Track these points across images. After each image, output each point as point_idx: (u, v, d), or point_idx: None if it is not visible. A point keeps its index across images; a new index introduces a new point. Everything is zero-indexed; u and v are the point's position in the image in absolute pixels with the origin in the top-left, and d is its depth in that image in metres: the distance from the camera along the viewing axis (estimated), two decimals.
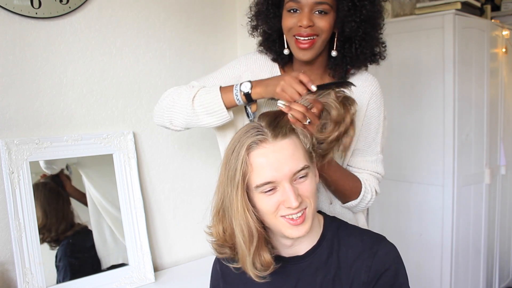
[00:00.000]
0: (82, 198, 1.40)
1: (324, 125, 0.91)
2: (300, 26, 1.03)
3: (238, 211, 0.85)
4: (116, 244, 1.45)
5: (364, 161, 1.17)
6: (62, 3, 1.34)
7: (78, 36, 1.40)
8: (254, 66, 1.19)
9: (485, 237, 2.53)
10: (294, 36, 1.06)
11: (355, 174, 1.15)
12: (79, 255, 1.37)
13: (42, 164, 1.32)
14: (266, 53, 1.19)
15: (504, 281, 2.89)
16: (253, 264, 0.88)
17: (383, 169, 1.19)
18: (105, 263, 1.41)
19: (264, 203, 0.86)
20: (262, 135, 0.84)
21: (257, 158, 0.84)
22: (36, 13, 1.29)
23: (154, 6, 1.58)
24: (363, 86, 1.13)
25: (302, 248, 0.94)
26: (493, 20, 2.64)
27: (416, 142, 2.37)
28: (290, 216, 0.85)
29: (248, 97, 1.06)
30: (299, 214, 0.85)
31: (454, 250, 2.30)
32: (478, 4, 2.42)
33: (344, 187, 1.10)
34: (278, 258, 0.95)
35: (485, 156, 2.47)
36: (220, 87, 1.09)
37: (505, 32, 2.66)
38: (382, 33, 1.13)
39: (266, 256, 0.88)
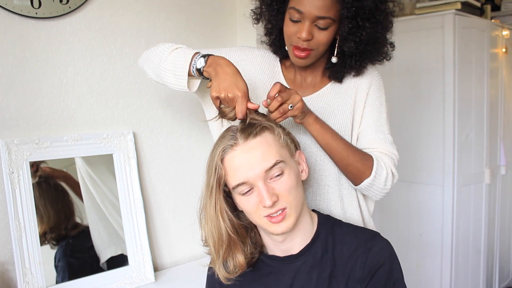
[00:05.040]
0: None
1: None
2: (299, 37, 1.02)
3: (210, 215, 0.90)
4: (114, 237, 1.44)
5: (371, 139, 1.13)
6: (62, 3, 1.34)
7: (78, 36, 1.40)
8: (256, 60, 1.18)
9: (485, 237, 2.53)
10: (292, 44, 1.05)
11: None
12: (79, 255, 1.37)
13: None
14: (268, 46, 1.19)
15: (504, 281, 2.89)
16: (223, 266, 0.93)
17: (396, 152, 1.13)
18: (103, 257, 1.41)
19: (244, 203, 0.89)
20: (234, 139, 0.87)
21: (229, 162, 0.87)
22: (36, 13, 1.29)
23: (154, 6, 1.58)
24: (363, 76, 1.14)
25: (296, 246, 0.94)
26: (493, 20, 2.64)
27: (416, 142, 2.37)
28: (270, 215, 0.87)
29: (201, 72, 1.01)
30: (278, 213, 0.87)
31: (454, 250, 2.30)
32: (478, 4, 2.42)
33: (354, 159, 1.06)
34: (272, 258, 0.96)
35: (485, 156, 2.47)
36: (196, 53, 1.04)
37: (505, 32, 2.66)
38: (389, 38, 1.12)
39: (240, 258, 0.92)
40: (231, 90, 0.92)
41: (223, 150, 0.88)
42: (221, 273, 0.93)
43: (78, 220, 1.39)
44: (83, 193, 1.40)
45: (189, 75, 1.03)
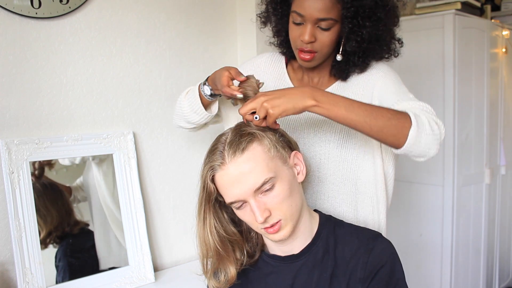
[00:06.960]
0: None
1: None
2: (302, 40, 1.02)
3: (199, 230, 0.93)
4: (117, 246, 1.45)
5: (395, 103, 1.01)
6: (62, 3, 1.34)
7: (78, 36, 1.40)
8: (260, 66, 1.22)
9: (485, 237, 2.53)
10: (297, 48, 1.06)
11: None
12: (79, 255, 1.37)
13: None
14: (277, 47, 1.21)
15: (504, 281, 2.89)
16: (214, 276, 0.95)
17: (428, 104, 0.99)
18: (104, 264, 1.41)
19: (242, 216, 0.91)
20: (222, 158, 0.86)
21: (219, 180, 0.87)
22: (36, 13, 1.29)
23: (154, 6, 1.58)
24: (369, 74, 1.13)
25: (296, 247, 0.94)
26: (493, 20, 2.64)
27: None
28: (266, 228, 0.88)
29: (214, 95, 1.12)
30: (273, 224, 0.87)
31: (454, 250, 2.30)
32: (478, 4, 2.42)
33: (384, 119, 0.91)
34: (273, 257, 0.97)
35: (485, 156, 2.47)
36: (200, 84, 1.14)
37: (505, 32, 2.66)
38: (395, 35, 1.11)
39: (232, 270, 0.93)
40: (220, 83, 1.01)
41: (212, 169, 0.87)
42: (211, 285, 0.95)
43: (78, 217, 1.39)
44: (92, 195, 1.41)
45: (205, 103, 1.14)
